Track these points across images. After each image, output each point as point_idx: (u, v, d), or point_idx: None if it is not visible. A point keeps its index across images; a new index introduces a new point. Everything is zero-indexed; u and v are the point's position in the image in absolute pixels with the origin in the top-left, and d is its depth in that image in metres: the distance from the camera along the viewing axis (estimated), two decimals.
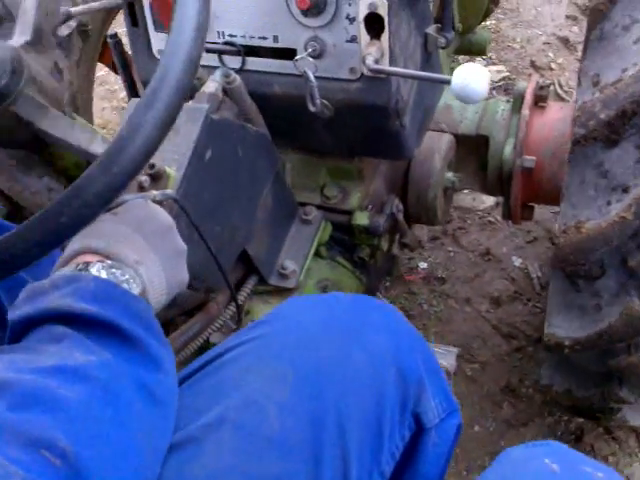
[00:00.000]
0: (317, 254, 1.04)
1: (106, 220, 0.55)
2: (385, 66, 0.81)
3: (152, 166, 0.67)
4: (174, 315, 0.90)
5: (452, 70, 1.41)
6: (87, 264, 0.49)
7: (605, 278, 0.85)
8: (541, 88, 1.17)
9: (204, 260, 0.72)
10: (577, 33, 2.26)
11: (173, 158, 0.72)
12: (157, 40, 0.87)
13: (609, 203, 0.83)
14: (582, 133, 0.84)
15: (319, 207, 1.04)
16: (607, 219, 0.82)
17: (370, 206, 1.07)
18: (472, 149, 1.22)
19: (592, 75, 0.87)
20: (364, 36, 0.83)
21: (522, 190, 1.16)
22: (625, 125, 0.81)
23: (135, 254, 0.53)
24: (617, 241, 0.82)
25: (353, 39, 0.84)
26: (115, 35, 0.90)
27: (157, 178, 0.67)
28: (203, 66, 0.88)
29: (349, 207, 1.05)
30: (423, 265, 1.60)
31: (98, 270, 0.49)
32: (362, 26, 0.82)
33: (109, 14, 1.21)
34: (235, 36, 0.89)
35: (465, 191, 1.74)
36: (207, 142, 0.75)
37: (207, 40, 0.88)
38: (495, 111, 1.19)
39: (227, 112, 0.83)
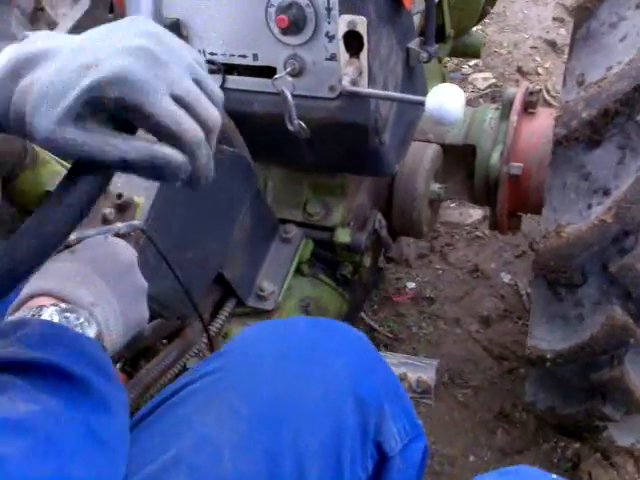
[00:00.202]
0: (299, 272, 1.06)
1: (63, 259, 0.57)
2: (361, 87, 0.85)
3: (119, 196, 0.70)
4: (152, 342, 0.92)
5: (443, 75, 1.51)
6: (40, 308, 0.51)
7: (587, 286, 0.88)
8: (530, 94, 1.21)
9: (173, 289, 0.74)
10: (564, 36, 2.29)
11: (143, 186, 0.74)
12: None
13: (590, 206, 0.86)
14: (564, 133, 0.86)
15: (301, 224, 1.08)
16: (587, 223, 0.85)
17: (352, 223, 1.10)
18: (460, 158, 1.25)
19: (577, 75, 0.89)
20: (343, 54, 0.85)
21: (509, 198, 1.19)
22: (607, 125, 0.84)
23: (91, 296, 0.55)
24: (597, 246, 0.84)
25: (332, 57, 0.87)
26: None
27: (125, 208, 0.70)
28: None
29: (331, 224, 1.08)
30: (411, 285, 1.62)
31: (51, 315, 0.50)
32: (341, 44, 0.85)
33: None
34: (216, 54, 0.92)
35: (452, 205, 1.77)
36: None
37: None
38: (483, 119, 1.23)
39: None
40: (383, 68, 0.90)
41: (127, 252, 0.61)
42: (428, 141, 1.19)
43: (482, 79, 2.14)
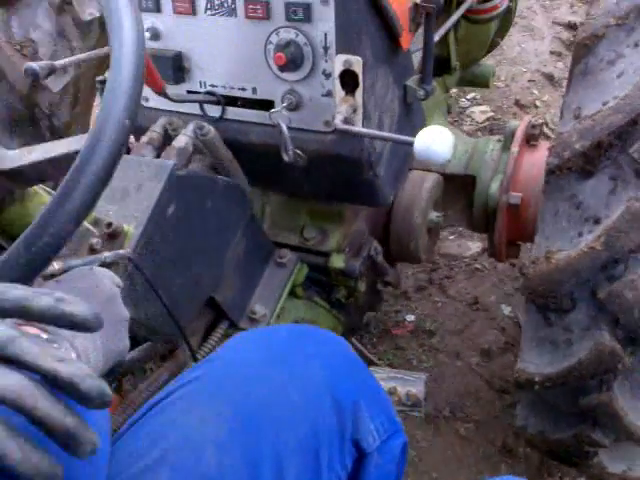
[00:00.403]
0: (294, 294, 1.14)
1: (49, 289, 0.62)
2: (353, 126, 0.92)
3: (109, 225, 0.76)
4: (143, 364, 1.00)
5: (449, 106, 1.51)
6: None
7: (576, 311, 0.94)
8: (533, 127, 1.28)
9: (161, 314, 0.81)
10: (562, 69, 2.37)
11: (133, 215, 0.81)
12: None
13: (580, 234, 0.92)
14: (556, 163, 0.92)
15: (297, 248, 1.16)
16: (576, 250, 0.90)
17: (347, 249, 1.17)
18: (460, 188, 1.32)
19: (574, 108, 0.95)
20: (339, 91, 0.92)
21: (507, 227, 1.26)
22: (600, 156, 0.89)
23: None
24: (586, 272, 0.90)
25: (329, 93, 0.94)
26: (104, 81, 1.01)
27: (114, 236, 0.76)
28: (184, 114, 1.02)
29: (327, 249, 1.16)
30: (410, 317, 1.68)
31: None
32: (337, 82, 0.91)
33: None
34: (216, 86, 1.00)
35: (450, 237, 1.84)
36: (170, 198, 0.83)
37: (190, 89, 1.01)
38: (484, 151, 1.30)
39: (197, 164, 0.94)
40: (378, 105, 0.97)
41: (110, 284, 0.67)
42: (429, 170, 1.26)
43: (480, 112, 2.22)
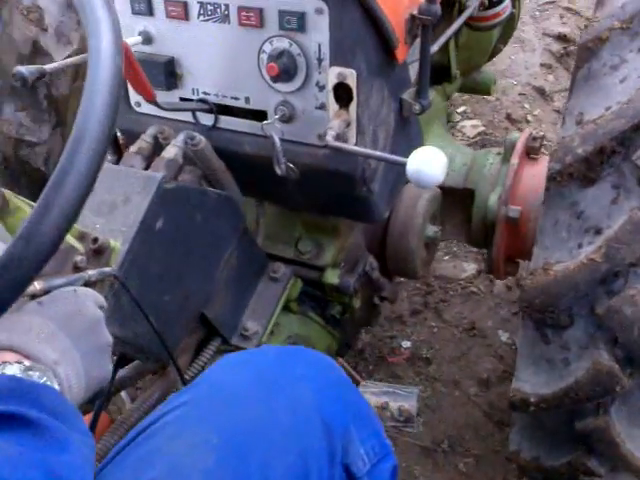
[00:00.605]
0: (288, 309, 1.16)
1: (30, 312, 0.64)
2: (346, 141, 0.93)
3: (95, 240, 0.76)
4: (134, 382, 1.04)
5: (449, 115, 1.62)
6: (4, 365, 0.59)
7: (574, 328, 0.95)
8: (534, 139, 1.30)
9: (148, 333, 0.82)
10: (552, 82, 2.41)
11: (120, 230, 0.83)
12: (135, 93, 1.00)
13: (580, 245, 0.93)
14: (557, 168, 0.93)
15: (292, 261, 1.18)
16: (575, 261, 0.91)
17: (343, 264, 1.19)
18: (458, 201, 1.35)
19: (576, 114, 0.96)
20: (332, 104, 0.94)
21: (505, 242, 1.27)
22: (603, 164, 0.91)
23: (55, 353, 0.62)
24: (585, 285, 0.90)
25: (322, 106, 0.96)
26: None
27: (100, 252, 0.77)
28: (177, 121, 1.03)
29: (322, 263, 1.18)
30: (406, 344, 1.70)
31: (14, 372, 0.58)
32: (331, 95, 0.93)
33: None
34: (209, 94, 1.02)
35: (445, 258, 1.86)
36: (158, 212, 0.85)
37: (182, 96, 1.02)
38: (483, 164, 1.32)
39: (188, 176, 0.95)
40: (373, 119, 0.98)
41: (93, 307, 0.69)
42: None
43: (471, 127, 2.25)
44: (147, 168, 0.94)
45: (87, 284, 0.72)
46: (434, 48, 1.08)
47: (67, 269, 0.74)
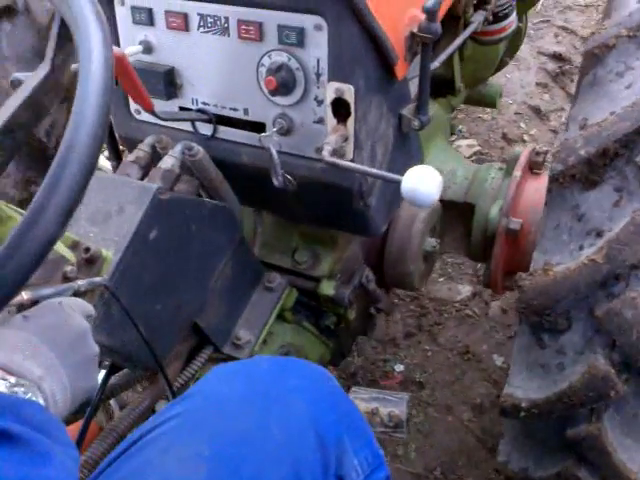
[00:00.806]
0: (282, 318, 1.21)
1: (15, 326, 0.67)
2: (343, 156, 0.97)
3: (87, 249, 0.80)
4: (124, 389, 1.07)
5: (452, 128, 1.57)
6: None
7: (571, 332, 0.98)
8: (537, 154, 1.35)
9: (137, 342, 0.85)
10: (548, 101, 2.47)
11: (113, 239, 0.87)
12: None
13: (581, 247, 0.96)
14: (560, 169, 0.97)
15: (288, 270, 1.23)
16: (576, 262, 0.94)
17: (339, 275, 1.24)
18: (458, 215, 1.39)
19: (580, 119, 1.01)
20: (330, 119, 0.97)
21: (505, 255, 1.31)
22: (606, 166, 0.94)
23: (40, 369, 0.65)
24: (585, 287, 0.93)
25: (320, 120, 0.99)
26: None
27: (91, 262, 0.80)
28: (176, 129, 1.08)
29: (319, 274, 1.23)
30: (399, 367, 1.74)
31: None
32: (329, 109, 0.97)
33: None
34: (208, 104, 1.06)
35: (440, 279, 1.90)
36: (153, 222, 0.89)
37: (182, 105, 1.06)
38: (485, 179, 1.37)
39: (185, 186, 0.99)
40: (371, 135, 1.02)
41: (80, 318, 0.72)
42: None
43: (467, 146, 2.31)
44: (144, 177, 0.98)
45: (76, 294, 0.76)
46: (435, 64, 1.12)
47: (56, 279, 0.78)
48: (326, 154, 0.96)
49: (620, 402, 0.98)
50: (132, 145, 1.06)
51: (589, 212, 0.97)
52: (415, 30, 1.00)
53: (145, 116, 1.12)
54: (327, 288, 1.24)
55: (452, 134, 1.65)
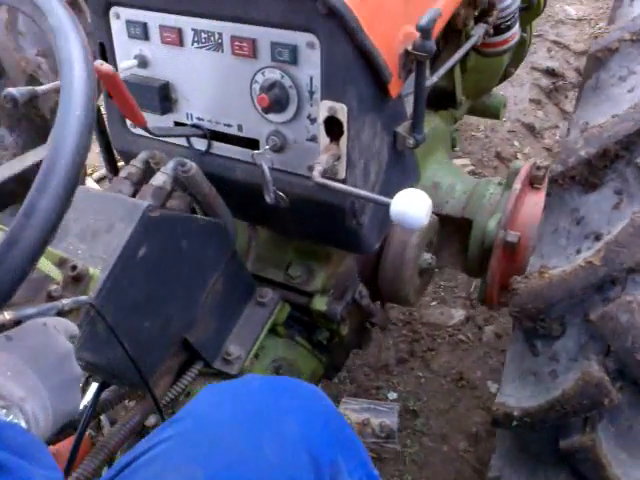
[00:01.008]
0: (274, 332, 1.25)
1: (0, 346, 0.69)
2: (335, 174, 1.00)
3: (74, 267, 0.83)
4: (115, 405, 1.12)
5: (454, 140, 1.58)
6: None
7: (565, 338, 1.01)
8: (538, 169, 1.39)
9: (124, 359, 0.88)
10: (542, 119, 2.52)
11: (101, 257, 0.89)
12: None
13: (579, 251, 1.00)
14: (560, 170, 1.00)
15: (281, 285, 1.27)
16: (573, 265, 0.97)
17: (332, 290, 1.27)
18: (456, 230, 1.43)
19: (582, 124, 1.05)
20: (323, 138, 1.00)
21: (501, 268, 1.34)
22: (606, 168, 0.98)
23: (22, 390, 0.68)
24: (580, 291, 0.96)
25: (313, 138, 1.02)
26: None
27: (78, 280, 0.84)
28: (171, 144, 1.11)
29: (312, 289, 1.26)
30: (392, 395, 1.78)
31: None
32: (322, 128, 0.99)
33: None
34: (202, 120, 1.10)
35: (433, 303, 1.92)
36: (142, 240, 0.92)
37: (176, 120, 1.09)
38: (483, 194, 1.41)
39: (177, 201, 1.03)
40: (364, 153, 1.05)
41: (64, 340, 0.74)
42: None
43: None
44: (136, 194, 1.01)
45: (61, 312, 0.78)
46: (433, 79, 1.15)
47: (40, 298, 0.81)
48: (316, 174, 0.99)
49: (614, 412, 0.99)
50: (128, 158, 1.09)
51: (588, 215, 1.00)
52: (410, 48, 1.03)
53: (141, 130, 1.17)
54: (319, 304, 1.27)
55: (453, 147, 1.67)
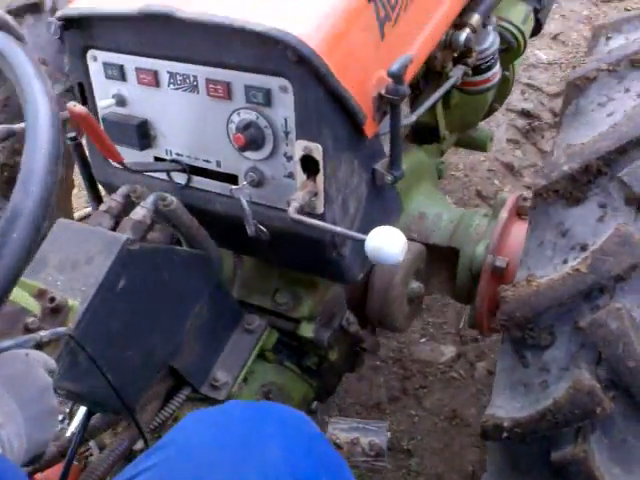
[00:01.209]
0: (264, 358, 1.27)
1: None
2: (306, 217, 1.01)
3: (52, 299, 0.85)
4: (103, 431, 1.13)
5: (440, 172, 1.62)
6: None
7: (555, 348, 1.01)
8: (524, 200, 1.41)
9: (105, 389, 0.90)
10: (521, 158, 2.53)
11: (80, 289, 0.91)
12: None
13: (565, 262, 1.01)
14: (543, 184, 1.03)
15: (268, 311, 1.29)
16: (560, 272, 0.99)
17: (319, 317, 1.29)
18: (444, 258, 1.45)
19: (565, 146, 1.07)
20: (300, 175, 1.02)
21: (490, 293, 1.35)
22: (590, 183, 1.01)
23: (0, 416, 0.70)
24: (569, 298, 0.98)
25: (290, 175, 1.04)
26: (75, 137, 1.17)
27: (56, 311, 0.86)
28: (152, 177, 1.14)
29: (299, 315, 1.28)
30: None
31: None
32: (298, 166, 1.01)
33: None
34: (181, 155, 1.12)
35: (422, 340, 1.92)
36: (121, 273, 0.93)
37: (156, 155, 1.11)
38: (470, 224, 1.43)
39: (158, 234, 1.06)
40: (342, 190, 1.06)
41: (43, 373, 0.76)
42: (411, 239, 1.39)
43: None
44: (116, 227, 1.02)
45: (39, 344, 0.80)
46: (412, 118, 1.18)
47: (17, 330, 0.82)
48: (292, 211, 1.00)
49: (607, 423, 0.99)
50: (111, 190, 1.11)
51: (573, 228, 1.03)
52: (382, 92, 1.04)
53: None
54: (307, 330, 1.29)
55: (440, 178, 1.69)
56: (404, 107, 1.28)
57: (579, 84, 1.13)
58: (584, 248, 1.00)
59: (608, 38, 1.21)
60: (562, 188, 1.04)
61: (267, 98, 1.01)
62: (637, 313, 0.96)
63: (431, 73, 1.39)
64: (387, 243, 0.93)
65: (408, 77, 1.08)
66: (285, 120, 1.02)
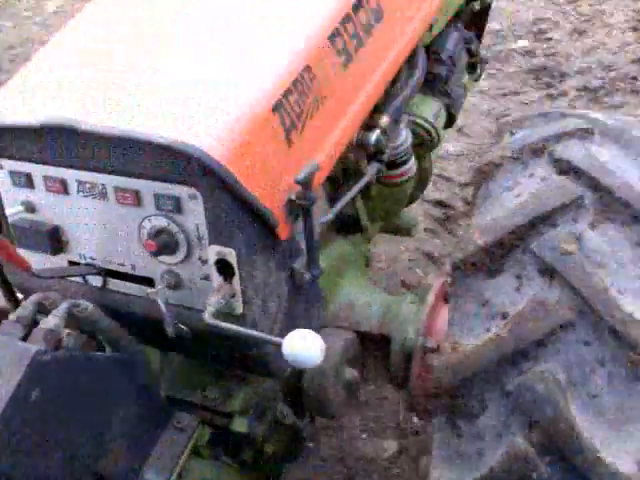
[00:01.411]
0: (198, 454, 1.22)
1: None
2: (220, 322, 1.00)
3: None
4: None
5: (367, 258, 1.61)
6: None
7: (486, 416, 1.03)
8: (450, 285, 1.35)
9: None
10: (440, 246, 2.58)
11: None
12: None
13: (488, 329, 1.05)
14: (460, 257, 1.08)
15: (200, 406, 1.25)
16: (483, 338, 1.02)
17: (252, 410, 1.27)
18: (376, 345, 1.48)
19: (478, 223, 1.13)
20: (216, 278, 1.01)
21: (424, 374, 1.36)
22: (504, 257, 1.07)
23: None
24: (494, 363, 1.01)
25: (207, 277, 1.02)
26: None
27: None
28: (68, 280, 1.12)
29: (231, 409, 1.25)
30: None
31: None
32: (213, 269, 1.00)
33: None
34: (95, 259, 1.10)
35: (363, 436, 1.90)
36: (33, 384, 0.91)
37: (70, 259, 1.08)
38: (398, 311, 1.46)
39: (73, 341, 1.03)
40: (260, 290, 1.06)
41: None
42: (342, 327, 1.44)
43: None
44: (27, 336, 0.99)
45: None
46: (329, 217, 1.21)
47: None
48: (207, 316, 0.99)
49: None
50: (28, 294, 1.09)
51: (493, 298, 1.08)
52: (293, 197, 1.06)
53: (38, 267, 1.12)
54: (240, 425, 1.26)
55: (367, 265, 1.70)
56: (322, 204, 1.29)
57: (486, 170, 1.21)
58: (504, 316, 1.04)
59: (512, 133, 1.29)
60: (478, 261, 1.09)
61: (177, 206, 1.01)
62: (562, 377, 0.99)
63: (348, 170, 1.41)
64: (303, 347, 0.93)
65: (317, 182, 1.09)
66: (197, 226, 1.02)
